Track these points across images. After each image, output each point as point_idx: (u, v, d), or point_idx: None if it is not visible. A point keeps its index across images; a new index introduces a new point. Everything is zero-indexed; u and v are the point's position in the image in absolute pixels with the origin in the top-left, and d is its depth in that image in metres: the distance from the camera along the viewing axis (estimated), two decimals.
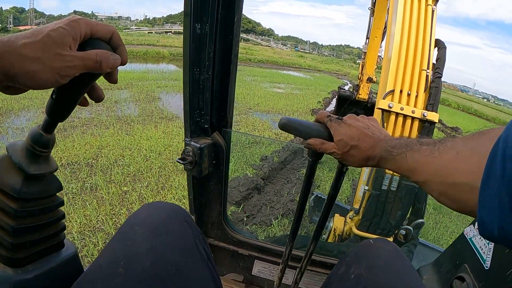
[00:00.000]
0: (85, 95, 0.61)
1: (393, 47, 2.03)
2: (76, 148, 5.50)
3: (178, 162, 1.18)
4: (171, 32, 68.97)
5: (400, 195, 1.92)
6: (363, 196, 2.03)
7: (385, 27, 4.99)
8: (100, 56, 0.54)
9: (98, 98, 0.62)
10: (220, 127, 1.24)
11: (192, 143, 1.17)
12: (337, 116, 0.79)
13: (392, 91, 1.94)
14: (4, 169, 0.61)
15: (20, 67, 0.47)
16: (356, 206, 2.13)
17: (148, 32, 64.45)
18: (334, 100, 16.23)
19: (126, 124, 7.52)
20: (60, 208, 0.70)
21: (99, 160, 5.19)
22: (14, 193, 0.60)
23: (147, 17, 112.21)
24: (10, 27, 63.31)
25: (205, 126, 1.20)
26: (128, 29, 73.89)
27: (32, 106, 8.82)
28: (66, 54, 0.50)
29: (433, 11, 2.14)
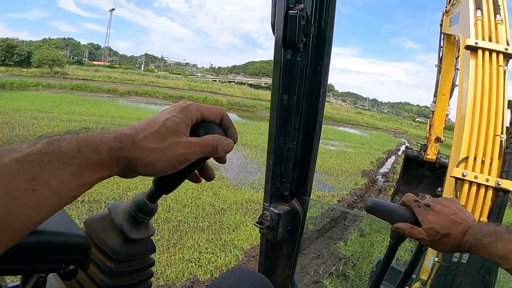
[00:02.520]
0: (196, 171, 0.64)
1: (466, 111, 1.99)
2: (103, 186, 5.50)
3: (255, 225, 1.20)
4: (234, 82, 71.27)
5: (471, 268, 1.80)
6: (431, 267, 1.92)
7: (453, 84, 4.90)
8: (216, 141, 0.56)
9: (209, 177, 0.65)
10: (298, 195, 1.26)
11: (271, 208, 1.19)
12: (425, 202, 0.80)
13: (466, 158, 1.88)
14: (105, 228, 0.65)
15: (142, 158, 0.50)
16: (423, 277, 2.01)
17: (213, 80, 67.03)
18: (389, 160, 15.86)
19: None
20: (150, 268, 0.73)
21: None
22: (113, 254, 0.63)
23: (213, 66, 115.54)
24: (85, 61, 68.28)
25: (285, 193, 1.22)
26: (194, 75, 77.93)
27: None
28: (183, 141, 0.53)
29: (504, 71, 2.10)
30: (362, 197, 8.42)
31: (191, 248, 4.49)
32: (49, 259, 0.42)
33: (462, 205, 0.86)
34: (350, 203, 7.52)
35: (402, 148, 21.64)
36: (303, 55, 1.12)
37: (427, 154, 5.57)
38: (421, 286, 2.00)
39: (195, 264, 4.22)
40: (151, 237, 0.71)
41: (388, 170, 13.55)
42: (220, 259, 4.41)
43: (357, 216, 6.04)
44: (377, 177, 11.57)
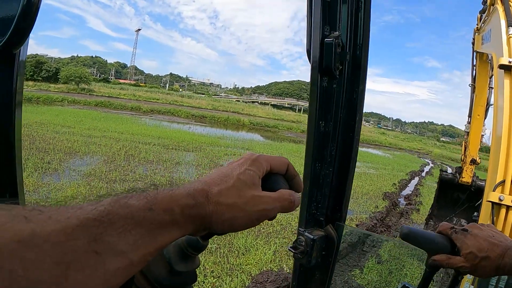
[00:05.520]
0: None
1: (502, 133, 1.95)
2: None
3: (290, 250, 1.20)
4: (257, 102, 71.97)
5: None
6: None
7: (487, 103, 4.82)
8: (293, 196, 0.55)
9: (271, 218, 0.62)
10: (333, 220, 1.26)
11: (306, 233, 1.19)
12: (461, 227, 0.81)
13: (503, 182, 1.83)
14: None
15: (219, 215, 0.48)
16: None
17: (236, 100, 68.18)
18: (412, 182, 15.53)
19: None
20: None
21: None
22: (156, 283, 0.64)
23: (237, 86, 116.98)
24: (111, 79, 70.85)
25: (320, 218, 1.23)
26: (217, 95, 79.09)
27: (97, 153, 9.39)
28: (264, 196, 0.52)
29: None
30: (382, 221, 8.22)
31: (208, 276, 4.45)
32: None
33: (500, 231, 0.86)
34: (369, 227, 7.31)
35: (426, 169, 21.31)
36: (339, 82, 1.14)
37: (462, 177, 5.49)
38: None
39: None
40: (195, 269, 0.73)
41: (410, 192, 13.31)
42: (225, 283, 4.37)
43: (376, 242, 5.81)
44: (399, 199, 11.35)
